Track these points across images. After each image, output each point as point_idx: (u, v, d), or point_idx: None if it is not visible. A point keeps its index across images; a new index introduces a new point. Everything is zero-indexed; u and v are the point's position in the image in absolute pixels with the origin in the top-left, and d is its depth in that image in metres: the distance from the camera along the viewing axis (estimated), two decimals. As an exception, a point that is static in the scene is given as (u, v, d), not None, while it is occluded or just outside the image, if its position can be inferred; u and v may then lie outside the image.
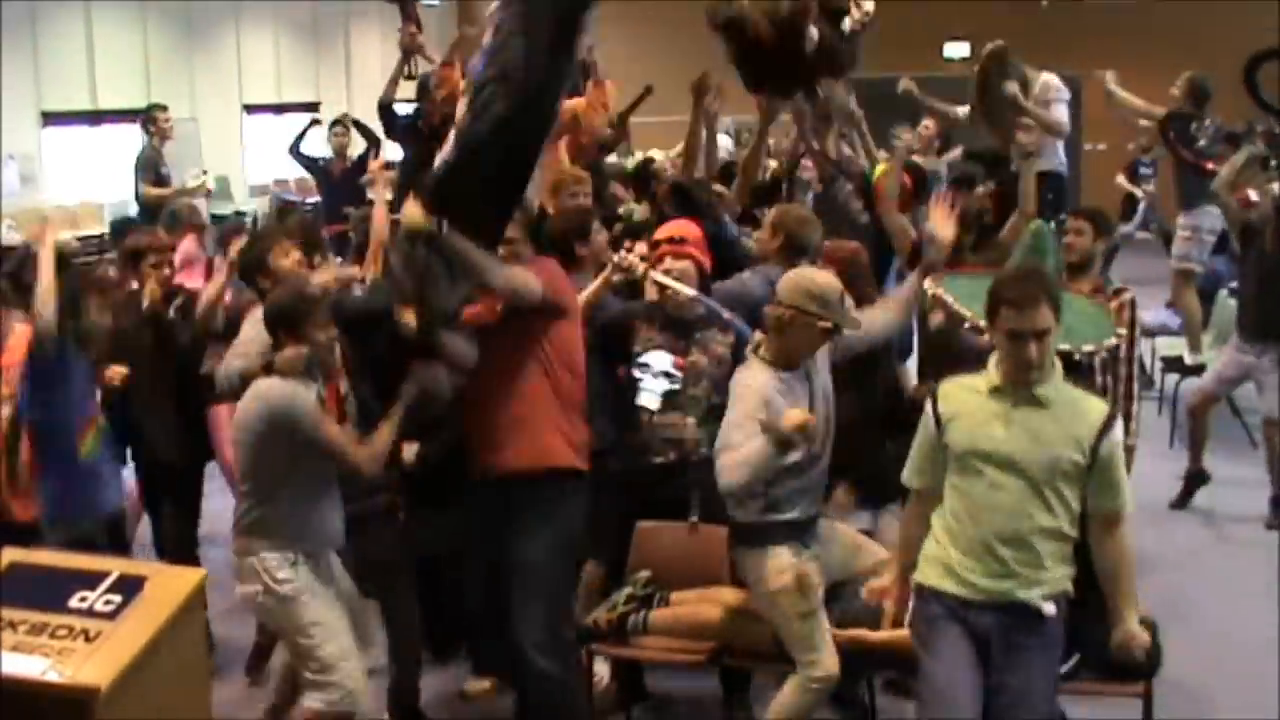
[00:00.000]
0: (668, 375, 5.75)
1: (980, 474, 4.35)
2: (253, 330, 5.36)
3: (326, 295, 5.28)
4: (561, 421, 5.33)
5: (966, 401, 4.43)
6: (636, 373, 5.77)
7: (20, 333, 6.01)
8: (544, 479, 5.26)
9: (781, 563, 5.07)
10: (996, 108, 9.16)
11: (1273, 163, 9.34)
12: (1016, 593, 4.33)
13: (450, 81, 7.88)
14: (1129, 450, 6.28)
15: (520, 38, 4.80)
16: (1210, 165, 9.56)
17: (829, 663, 5.02)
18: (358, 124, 13.26)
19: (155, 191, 11.81)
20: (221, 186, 17.04)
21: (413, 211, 4.98)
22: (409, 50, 9.26)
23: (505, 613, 5.29)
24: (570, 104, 7.38)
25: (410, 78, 9.53)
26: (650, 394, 5.75)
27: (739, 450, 4.84)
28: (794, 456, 4.84)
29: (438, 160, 5.03)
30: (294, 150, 12.91)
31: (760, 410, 4.83)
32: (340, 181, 12.51)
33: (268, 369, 4.97)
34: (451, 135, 4.97)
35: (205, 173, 12.50)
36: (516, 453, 5.24)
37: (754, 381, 5.00)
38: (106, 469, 6.08)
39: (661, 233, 6.05)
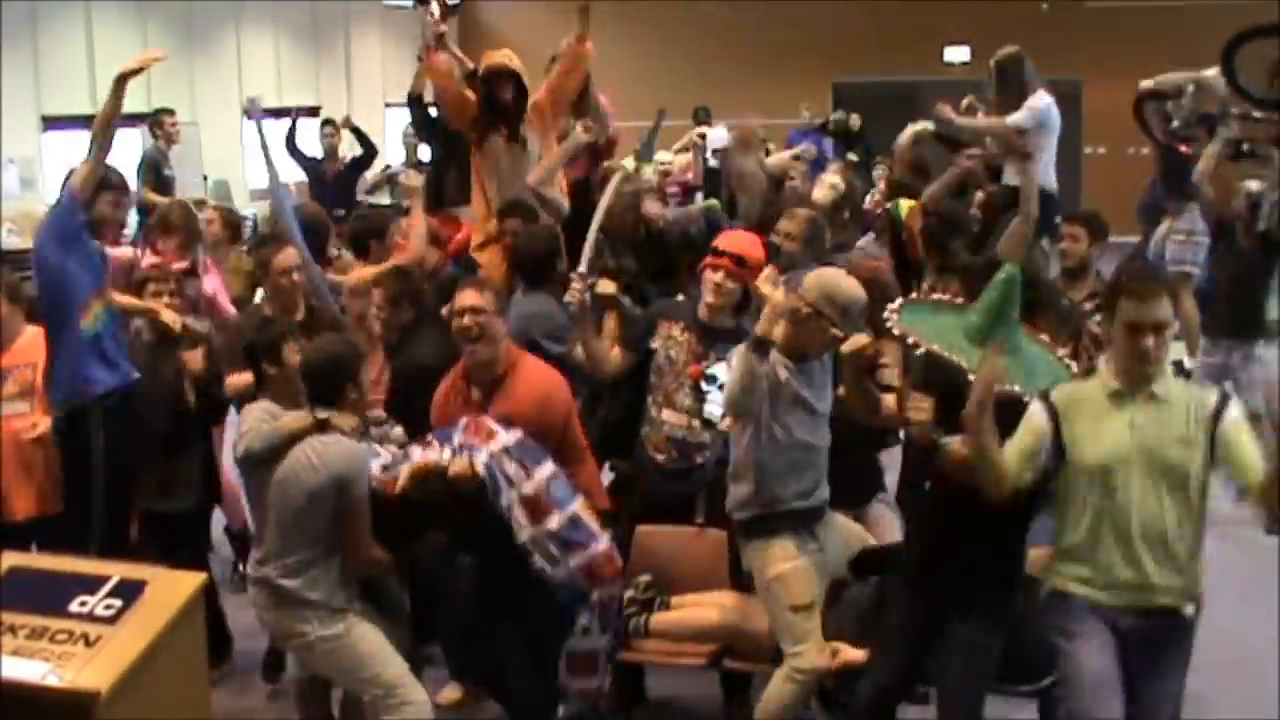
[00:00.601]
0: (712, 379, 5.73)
1: (1113, 482, 4.33)
2: (260, 415, 5.22)
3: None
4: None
5: (1087, 412, 4.39)
6: (704, 385, 5.73)
7: (32, 334, 6.05)
8: None
9: (782, 551, 5.10)
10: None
11: (1244, 147, 9.29)
12: (1158, 599, 4.35)
13: (440, 71, 7.88)
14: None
15: None
16: (1184, 147, 9.54)
17: (814, 656, 5.02)
18: (355, 130, 13.28)
19: (156, 198, 11.83)
20: (222, 190, 17.04)
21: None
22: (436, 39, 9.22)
23: (492, 625, 5.33)
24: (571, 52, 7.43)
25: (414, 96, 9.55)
26: (717, 406, 5.68)
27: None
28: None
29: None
30: (289, 144, 12.94)
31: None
32: (330, 182, 12.54)
33: (321, 425, 4.92)
34: None
35: (205, 178, 12.48)
36: None
37: (773, 370, 5.06)
38: (110, 345, 6.04)
39: (728, 244, 5.83)
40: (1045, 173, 8.38)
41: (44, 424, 5.92)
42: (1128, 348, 4.30)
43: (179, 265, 6.84)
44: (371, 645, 4.98)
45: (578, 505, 5.11)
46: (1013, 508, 4.64)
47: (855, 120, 17.00)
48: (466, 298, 5.41)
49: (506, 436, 5.08)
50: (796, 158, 10.08)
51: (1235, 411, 4.34)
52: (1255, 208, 8.50)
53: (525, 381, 5.42)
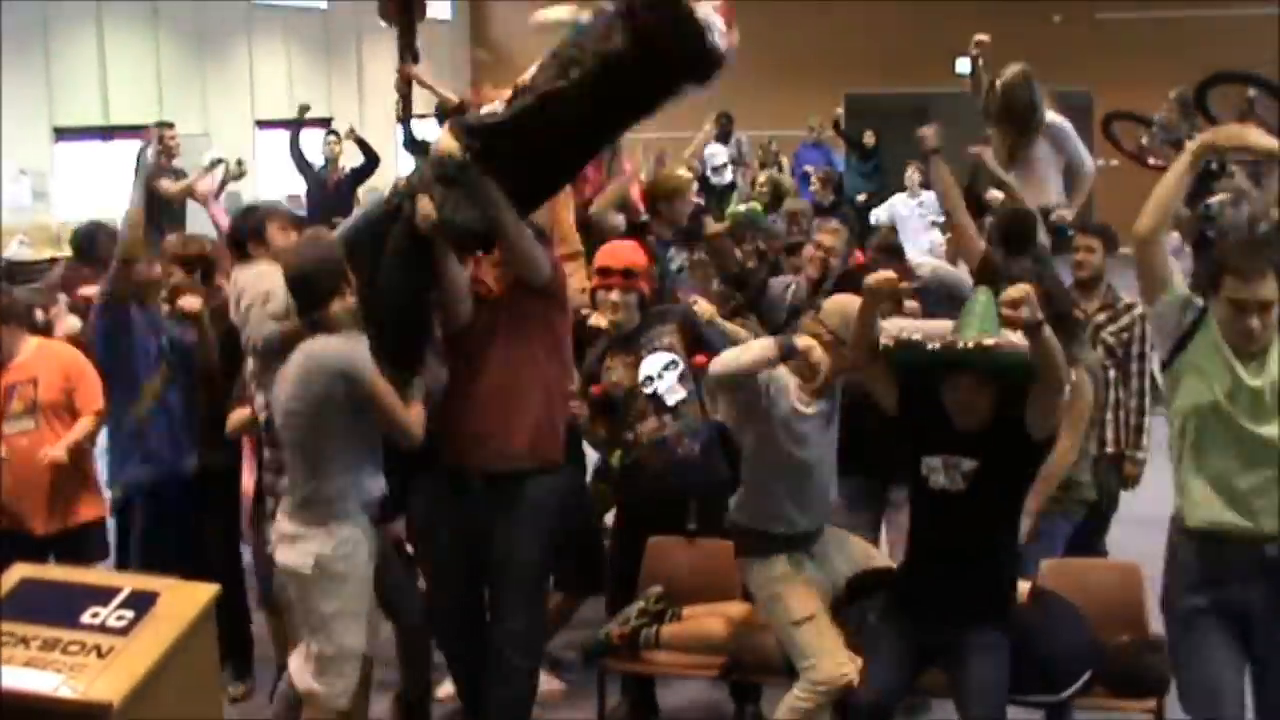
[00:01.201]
0: (671, 365, 5.75)
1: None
2: (259, 292, 5.19)
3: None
4: (553, 414, 5.29)
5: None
6: (648, 388, 5.75)
7: (35, 347, 6.04)
8: (539, 473, 5.21)
9: (778, 570, 5.13)
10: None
11: (1213, 165, 9.33)
12: None
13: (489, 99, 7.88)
14: (1139, 463, 6.29)
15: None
16: (1152, 160, 9.57)
17: (828, 666, 5.00)
18: (359, 141, 13.31)
19: (175, 186, 11.77)
20: (233, 201, 17.07)
21: (447, 140, 4.86)
22: (403, 93, 9.33)
23: (479, 611, 5.34)
24: None
25: (401, 119, 9.63)
26: (672, 391, 5.72)
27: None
28: (780, 372, 4.97)
29: (487, 108, 4.90)
30: (293, 148, 12.98)
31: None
32: (332, 190, 12.58)
33: (314, 326, 4.81)
34: (514, 91, 4.78)
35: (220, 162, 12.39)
36: (510, 445, 5.14)
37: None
38: (154, 438, 6.05)
39: (610, 260, 5.88)
40: (1057, 193, 8.33)
41: (56, 453, 5.87)
42: (1231, 324, 4.23)
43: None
44: (353, 604, 4.91)
45: None
46: (999, 513, 4.71)
47: (870, 137, 17.00)
48: None
49: None
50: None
51: None
52: (1209, 219, 8.52)
53: None
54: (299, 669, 5.00)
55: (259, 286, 5.22)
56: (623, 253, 5.94)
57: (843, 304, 5.16)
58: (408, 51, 9.33)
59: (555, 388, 5.29)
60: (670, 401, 5.71)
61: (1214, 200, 8.74)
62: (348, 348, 4.79)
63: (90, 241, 8.43)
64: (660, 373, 5.73)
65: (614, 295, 5.77)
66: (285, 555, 4.93)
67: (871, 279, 4.80)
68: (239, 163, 11.17)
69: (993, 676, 4.68)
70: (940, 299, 6.09)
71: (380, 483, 4.99)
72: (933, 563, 4.77)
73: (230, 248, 5.87)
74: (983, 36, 8.05)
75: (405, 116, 9.77)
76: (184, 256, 6.25)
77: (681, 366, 5.73)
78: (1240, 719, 4.35)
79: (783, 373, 5.09)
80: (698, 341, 5.79)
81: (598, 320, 5.96)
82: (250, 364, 5.53)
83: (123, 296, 5.95)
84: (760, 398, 5.06)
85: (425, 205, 4.78)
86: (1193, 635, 4.40)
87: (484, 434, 5.13)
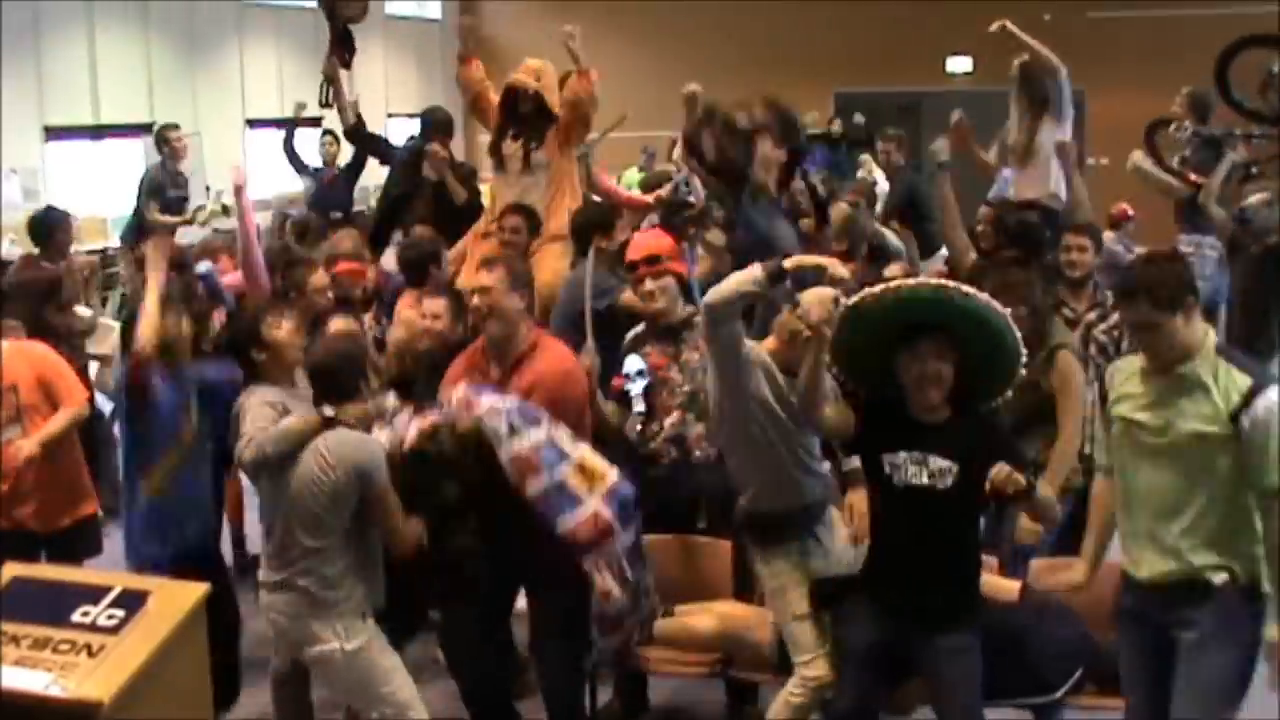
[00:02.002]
0: (641, 374, 5.78)
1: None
2: (258, 406, 5.06)
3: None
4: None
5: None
6: (626, 385, 5.80)
7: (10, 352, 6.00)
8: None
9: (784, 561, 5.13)
10: None
11: (1253, 169, 9.33)
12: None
13: (473, 82, 7.88)
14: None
15: None
16: (1193, 177, 9.55)
17: (824, 664, 5.01)
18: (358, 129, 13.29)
19: (164, 219, 11.86)
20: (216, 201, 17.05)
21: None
22: (330, 77, 9.36)
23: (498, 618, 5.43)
24: (572, 87, 7.43)
25: (327, 104, 9.62)
26: (638, 397, 5.78)
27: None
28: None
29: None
30: (287, 149, 12.97)
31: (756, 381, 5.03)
32: (328, 188, 12.57)
33: (328, 423, 4.85)
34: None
35: (207, 188, 12.48)
36: None
37: (760, 358, 5.10)
38: (177, 510, 5.67)
39: (633, 252, 5.97)
40: (1056, 183, 8.37)
41: (29, 447, 5.82)
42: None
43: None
44: (391, 660, 4.97)
45: (567, 470, 5.05)
46: (968, 510, 4.73)
47: (859, 118, 16.95)
48: (478, 278, 5.43)
49: (502, 401, 5.06)
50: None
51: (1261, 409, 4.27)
52: (1246, 222, 8.54)
53: (546, 359, 5.39)
54: None
55: (266, 413, 5.02)
56: (645, 241, 6.02)
57: (820, 295, 5.17)
58: (337, 47, 9.35)
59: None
60: (637, 408, 5.75)
61: (1250, 202, 8.76)
62: (368, 445, 4.87)
63: (44, 228, 8.41)
64: (634, 375, 5.78)
65: (646, 284, 5.82)
66: (310, 653, 4.96)
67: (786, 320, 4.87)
68: (220, 201, 11.28)
69: (967, 678, 4.68)
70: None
71: (380, 570, 5.04)
72: (902, 563, 4.74)
73: (233, 355, 5.58)
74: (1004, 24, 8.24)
75: (329, 104, 9.75)
76: None
77: None
78: None
79: (764, 356, 5.10)
80: None
81: (630, 300, 6.03)
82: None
83: (144, 375, 5.58)
84: (743, 373, 5.04)
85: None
86: None
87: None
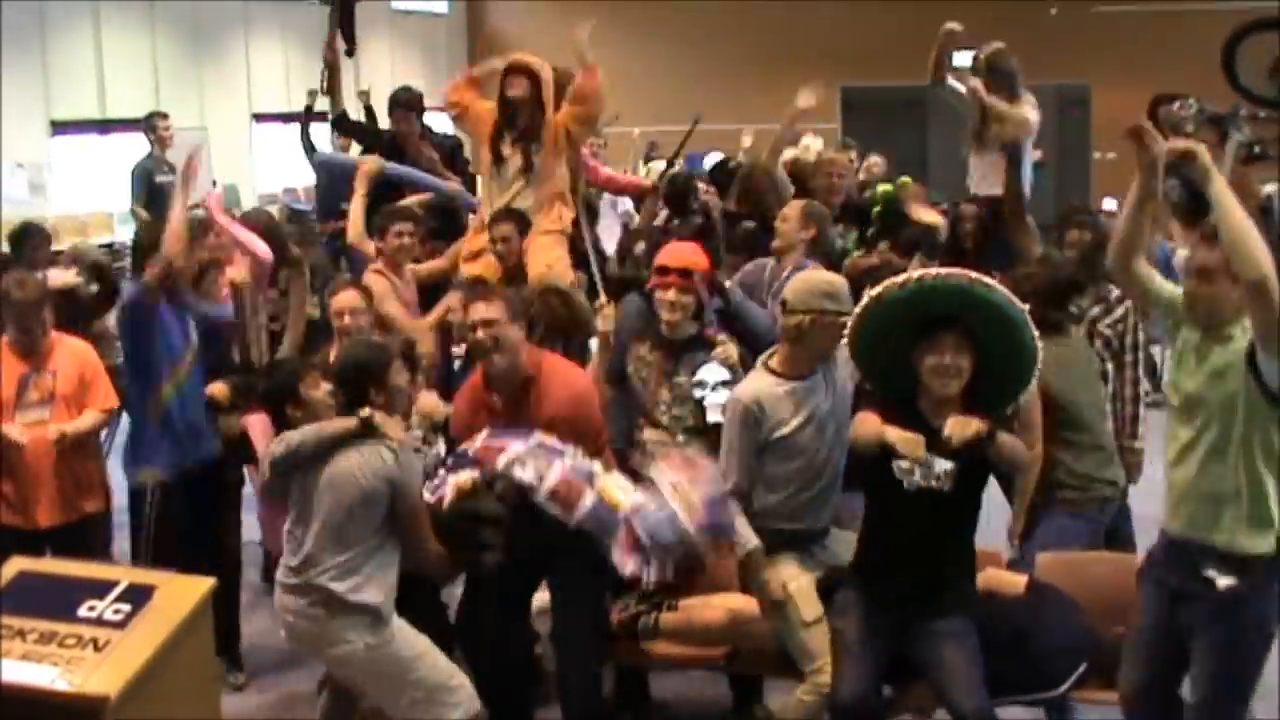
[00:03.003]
0: (725, 384, 5.69)
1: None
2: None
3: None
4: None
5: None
6: (697, 392, 5.72)
7: (55, 340, 6.07)
8: None
9: (786, 570, 5.12)
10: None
11: (1256, 149, 9.33)
12: None
13: (463, 103, 7.77)
14: (1138, 452, 6.30)
15: None
16: None
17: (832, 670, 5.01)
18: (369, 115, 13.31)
19: (145, 215, 11.85)
20: (231, 195, 17.07)
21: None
22: (330, 64, 9.36)
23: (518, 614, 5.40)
24: (582, 85, 7.36)
25: (325, 92, 9.65)
26: (715, 407, 5.67)
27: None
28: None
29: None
30: (304, 140, 12.96)
31: (736, 441, 5.08)
32: (339, 179, 12.57)
33: (365, 426, 4.83)
34: None
35: (214, 183, 12.48)
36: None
37: (738, 404, 5.11)
38: (181, 421, 6.13)
39: (668, 259, 5.84)
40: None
41: (62, 428, 5.92)
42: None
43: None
44: (417, 647, 4.93)
45: (600, 486, 5.01)
46: (970, 508, 4.74)
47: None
48: (478, 310, 5.32)
49: (518, 445, 5.05)
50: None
51: None
52: (1266, 212, 8.53)
53: (557, 383, 5.35)
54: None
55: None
56: (683, 253, 5.88)
57: (806, 282, 5.17)
58: (337, 31, 9.35)
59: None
60: (710, 418, 5.65)
61: (1270, 190, 8.77)
62: (405, 459, 4.87)
63: (21, 242, 8.38)
64: (716, 384, 5.69)
65: (670, 294, 5.73)
66: (331, 653, 4.94)
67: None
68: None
69: (969, 658, 4.69)
70: None
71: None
72: (900, 558, 4.75)
73: (268, 410, 5.69)
74: (954, 25, 8.24)
75: (327, 91, 9.77)
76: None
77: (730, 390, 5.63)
78: None
79: (751, 395, 5.11)
80: None
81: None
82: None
83: (155, 296, 6.01)
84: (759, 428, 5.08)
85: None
86: None
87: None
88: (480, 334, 5.26)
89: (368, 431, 4.83)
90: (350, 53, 9.34)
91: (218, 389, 6.29)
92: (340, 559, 4.82)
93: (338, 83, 9.40)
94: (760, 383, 5.13)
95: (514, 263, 6.91)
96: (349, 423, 4.86)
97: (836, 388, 5.19)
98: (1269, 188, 8.95)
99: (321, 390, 5.29)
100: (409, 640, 4.93)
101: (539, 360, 5.39)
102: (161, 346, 6.08)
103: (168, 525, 6.05)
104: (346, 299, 6.04)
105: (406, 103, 9.29)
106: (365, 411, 4.84)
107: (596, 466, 5.05)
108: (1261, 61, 9.63)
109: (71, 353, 6.10)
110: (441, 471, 5.11)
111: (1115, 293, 6.34)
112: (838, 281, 5.22)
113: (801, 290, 5.13)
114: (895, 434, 4.55)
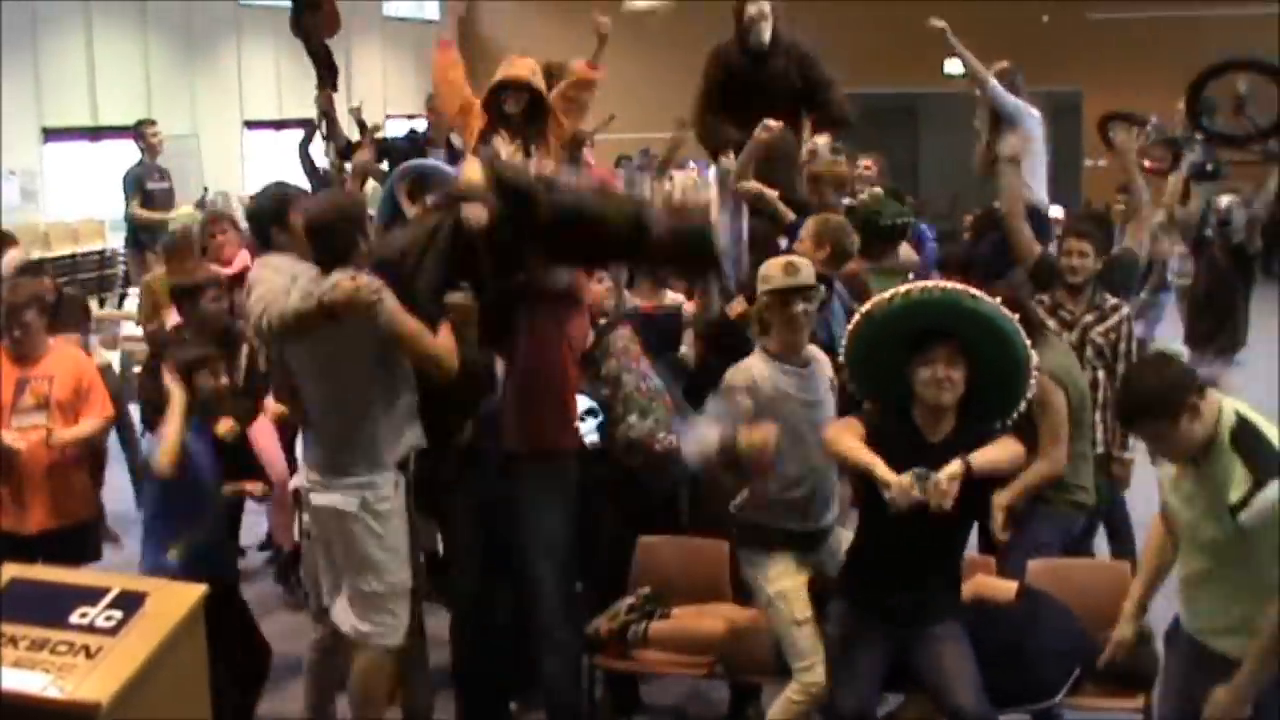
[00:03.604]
0: (592, 412, 5.80)
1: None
2: (272, 275, 5.00)
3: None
4: (572, 405, 5.54)
5: None
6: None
7: (51, 346, 6.06)
8: (562, 455, 5.41)
9: (781, 567, 5.11)
10: None
11: (1209, 168, 9.53)
12: None
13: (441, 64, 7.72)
14: (1127, 464, 6.30)
15: None
16: (1147, 163, 9.70)
17: (821, 670, 5.01)
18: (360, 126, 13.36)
19: (145, 214, 11.89)
20: (222, 201, 17.07)
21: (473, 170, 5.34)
22: (326, 113, 9.51)
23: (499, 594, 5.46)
24: (578, 71, 7.34)
25: (326, 136, 9.78)
26: (592, 435, 5.80)
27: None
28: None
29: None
30: (303, 151, 12.96)
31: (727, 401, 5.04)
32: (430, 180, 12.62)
33: (327, 313, 4.67)
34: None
35: (205, 189, 12.52)
36: (543, 430, 5.35)
37: (737, 376, 5.08)
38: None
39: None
40: (1037, 189, 8.36)
41: (63, 434, 5.90)
42: None
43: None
44: (400, 542, 4.91)
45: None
46: (965, 518, 4.72)
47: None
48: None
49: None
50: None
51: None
52: (1225, 224, 8.72)
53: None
54: (343, 613, 4.98)
55: (276, 280, 4.95)
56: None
57: (767, 266, 5.18)
58: (326, 75, 9.48)
59: (574, 383, 5.53)
60: None
61: (1225, 202, 8.88)
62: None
63: None
64: None
65: None
66: (323, 498, 4.91)
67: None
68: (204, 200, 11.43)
69: (964, 658, 4.69)
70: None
71: (418, 432, 5.00)
72: (892, 568, 4.74)
73: (253, 233, 5.72)
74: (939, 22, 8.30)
75: (327, 136, 9.90)
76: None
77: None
78: None
79: (747, 373, 5.10)
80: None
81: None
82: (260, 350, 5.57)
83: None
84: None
85: (476, 211, 4.95)
86: None
87: (530, 420, 5.34)
88: None
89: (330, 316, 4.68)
90: (335, 86, 9.43)
91: (225, 426, 5.97)
92: (338, 422, 4.86)
93: (337, 128, 9.51)
94: (757, 365, 5.11)
95: None
96: (313, 307, 4.69)
97: (819, 384, 5.19)
98: (1224, 199, 9.07)
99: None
100: (399, 531, 4.91)
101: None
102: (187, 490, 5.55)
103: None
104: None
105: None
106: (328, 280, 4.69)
107: None
108: (1231, 97, 9.83)
109: (69, 359, 6.09)
110: None
111: (1110, 301, 6.34)
112: (771, 264, 5.18)
113: (765, 275, 5.16)
114: (884, 475, 4.51)
